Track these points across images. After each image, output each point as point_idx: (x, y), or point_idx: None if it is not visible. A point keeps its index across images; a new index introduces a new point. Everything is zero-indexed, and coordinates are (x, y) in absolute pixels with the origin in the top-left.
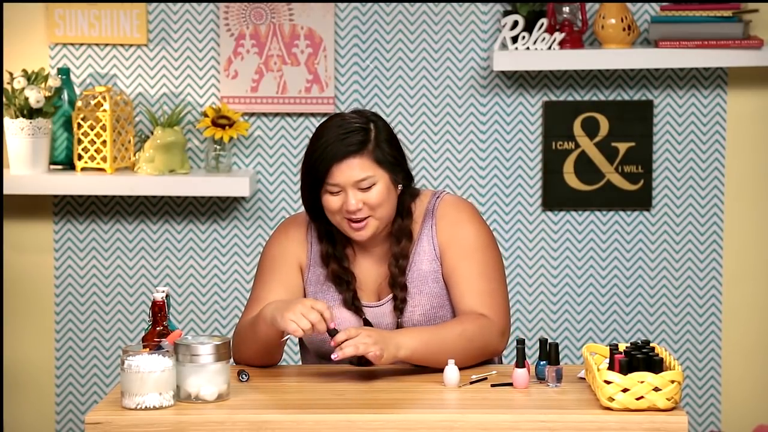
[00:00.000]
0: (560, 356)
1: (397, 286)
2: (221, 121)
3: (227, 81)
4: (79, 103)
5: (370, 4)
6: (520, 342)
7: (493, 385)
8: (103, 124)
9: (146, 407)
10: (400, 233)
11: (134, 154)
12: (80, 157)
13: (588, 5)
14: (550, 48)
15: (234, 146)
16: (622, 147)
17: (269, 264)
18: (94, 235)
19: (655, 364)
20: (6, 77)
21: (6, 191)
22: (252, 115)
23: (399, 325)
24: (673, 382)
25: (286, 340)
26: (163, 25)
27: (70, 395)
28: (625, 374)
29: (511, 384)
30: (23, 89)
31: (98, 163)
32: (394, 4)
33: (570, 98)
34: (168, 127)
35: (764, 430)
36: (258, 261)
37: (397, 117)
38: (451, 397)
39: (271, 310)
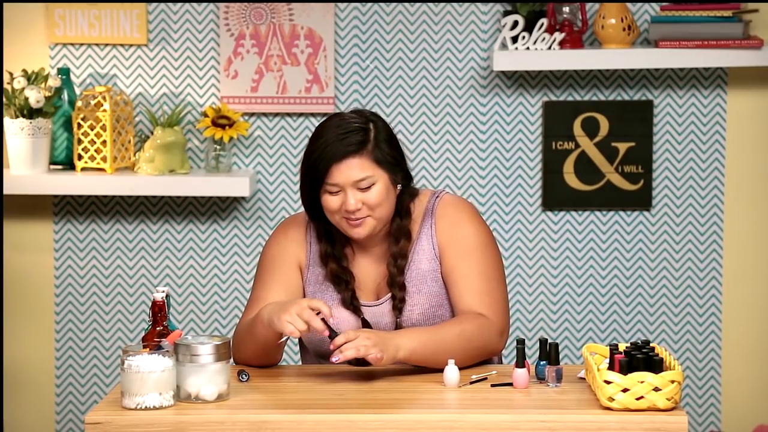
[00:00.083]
0: (560, 356)
1: (396, 286)
2: (221, 121)
3: (227, 81)
4: (79, 103)
5: (370, 4)
6: (520, 342)
7: (493, 385)
8: (103, 124)
9: (146, 407)
10: (398, 233)
11: (134, 154)
12: (80, 157)
13: (588, 5)
14: (550, 48)
15: (234, 146)
16: (622, 147)
17: (269, 264)
18: (94, 235)
19: (655, 364)
20: (6, 77)
21: (6, 191)
22: (252, 115)
23: (398, 325)
24: (673, 382)
25: (285, 341)
26: (163, 25)
27: (70, 395)
28: (625, 374)
29: (511, 384)
30: (23, 89)
31: (98, 163)
32: (394, 4)
33: (570, 98)
34: (168, 127)
35: (764, 430)
36: (257, 261)
37: (397, 117)
38: (451, 397)
39: (269, 311)
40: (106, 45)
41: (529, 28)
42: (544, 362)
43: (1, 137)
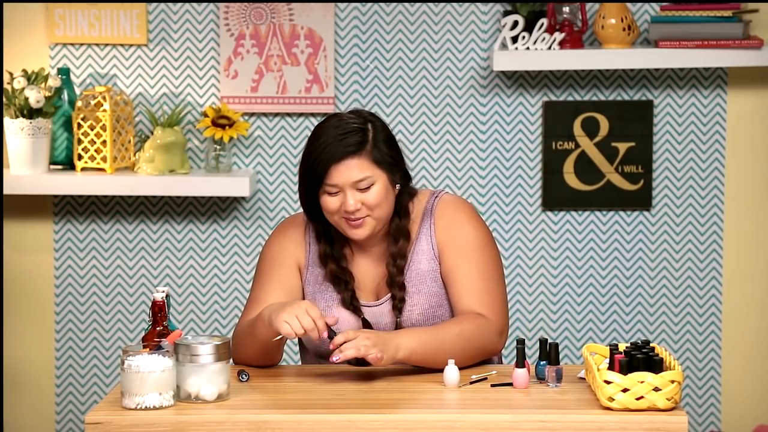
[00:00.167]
0: (560, 356)
1: (395, 286)
2: (221, 121)
3: (227, 81)
4: (79, 103)
5: (370, 4)
6: (520, 342)
7: (493, 385)
8: (103, 124)
9: (146, 407)
10: (397, 233)
11: (134, 154)
12: (80, 157)
13: (588, 5)
14: (550, 48)
15: (234, 146)
16: (622, 147)
17: (268, 265)
18: (94, 235)
19: (655, 364)
20: (6, 77)
21: (6, 191)
22: (252, 115)
23: (398, 325)
24: (673, 382)
25: (283, 339)
26: (163, 25)
27: (70, 395)
28: (625, 374)
29: (511, 384)
30: (23, 89)
31: (98, 163)
32: (394, 4)
33: (570, 98)
34: (168, 127)
35: (764, 430)
36: (257, 262)
37: (397, 117)
38: (451, 397)
39: (269, 311)
40: (106, 45)
41: (529, 28)
42: (544, 362)
43: (1, 137)
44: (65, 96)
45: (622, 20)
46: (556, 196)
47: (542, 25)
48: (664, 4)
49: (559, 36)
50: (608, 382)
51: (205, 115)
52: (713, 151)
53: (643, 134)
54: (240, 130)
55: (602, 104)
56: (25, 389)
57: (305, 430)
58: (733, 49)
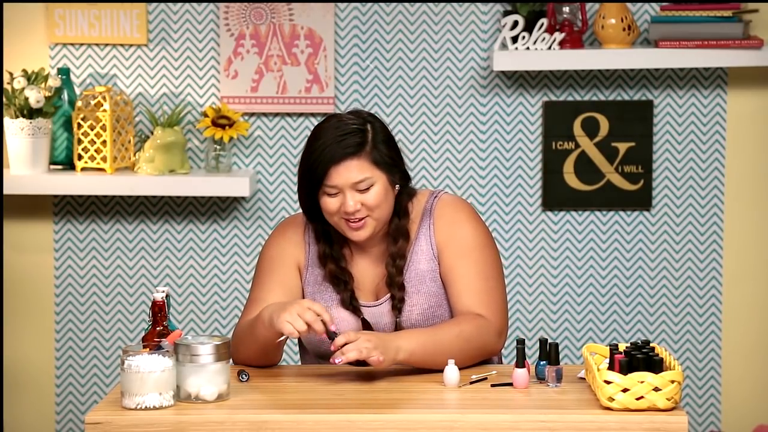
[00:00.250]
0: (560, 356)
1: (395, 286)
2: (221, 121)
3: (227, 81)
4: (79, 103)
5: (370, 4)
6: (520, 342)
7: (493, 385)
8: (103, 124)
9: (146, 407)
10: (397, 233)
11: (134, 154)
12: (80, 157)
13: (588, 5)
14: (550, 48)
15: (234, 146)
16: (622, 147)
17: (267, 265)
18: (94, 235)
19: (655, 364)
20: (6, 77)
21: (6, 191)
22: (252, 115)
23: (397, 325)
24: (673, 382)
25: (284, 340)
26: (163, 25)
27: (70, 395)
28: (625, 374)
29: (511, 384)
30: (23, 89)
31: (98, 163)
32: (394, 4)
33: (570, 98)
34: (168, 127)
35: (764, 430)
36: (256, 262)
37: (397, 117)
38: (451, 397)
39: (269, 311)
40: (106, 45)
41: (529, 28)
42: (544, 362)
43: (1, 137)
44: (65, 96)
45: (622, 20)
46: (556, 196)
47: (542, 25)
48: (664, 4)
49: (559, 36)
50: (608, 382)
51: (205, 115)
52: (713, 151)
53: (643, 134)
54: (240, 130)
55: (602, 104)
56: (25, 389)
57: (305, 430)
58: (733, 49)
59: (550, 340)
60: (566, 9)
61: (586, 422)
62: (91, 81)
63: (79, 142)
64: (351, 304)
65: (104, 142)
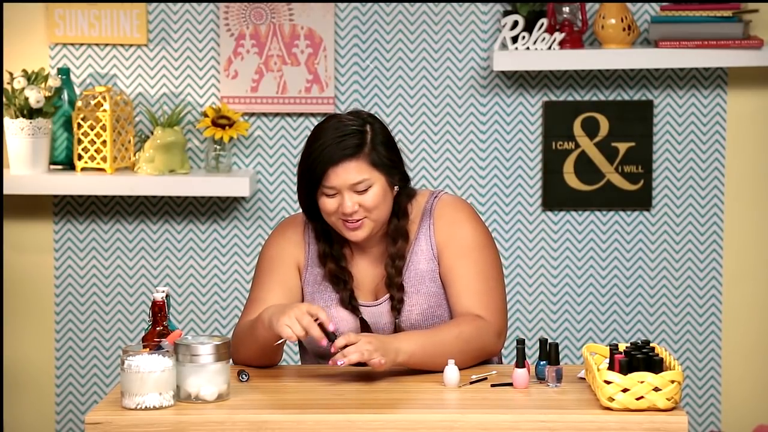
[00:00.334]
0: (560, 356)
1: (394, 287)
2: (221, 121)
3: (227, 81)
4: (79, 103)
5: (370, 4)
6: (520, 342)
7: (493, 385)
8: (103, 124)
9: (146, 407)
10: (396, 234)
11: (134, 154)
12: (80, 157)
13: (588, 5)
14: (550, 48)
15: (234, 146)
16: (622, 147)
17: (267, 265)
18: (94, 235)
19: (655, 364)
20: (6, 77)
21: (6, 191)
22: (252, 115)
23: (397, 325)
24: (673, 382)
25: (283, 342)
26: (163, 25)
27: (70, 395)
28: (625, 374)
29: (511, 384)
30: (23, 89)
31: (98, 163)
32: (394, 4)
33: (570, 98)
34: (168, 127)
35: (764, 430)
36: (256, 262)
37: (397, 117)
38: (451, 397)
39: (269, 314)
40: (106, 45)
41: (529, 28)
42: (544, 362)
43: (1, 137)
44: (65, 96)
45: (622, 20)
46: (556, 196)
47: (542, 25)
48: (664, 4)
49: (559, 36)
50: (608, 382)
51: (205, 115)
52: (713, 151)
53: (643, 134)
54: (240, 130)
55: (602, 104)
56: (25, 389)
57: (305, 430)
58: (733, 49)
59: (550, 340)
60: (566, 9)
61: (586, 422)
62: (91, 81)
63: (79, 142)
64: (350, 303)
65: (104, 142)
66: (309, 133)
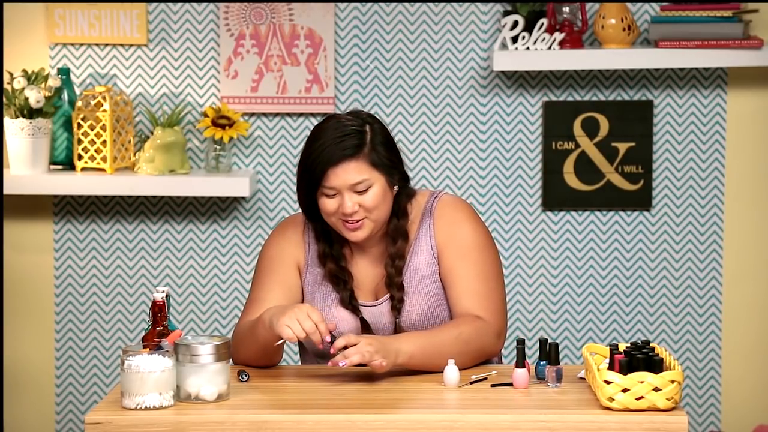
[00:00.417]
0: (560, 356)
1: (394, 287)
2: (221, 121)
3: (227, 81)
4: (79, 103)
5: (370, 4)
6: (520, 342)
7: (493, 385)
8: (103, 124)
9: (146, 407)
10: (396, 234)
11: (134, 154)
12: (80, 157)
13: (588, 5)
14: (550, 48)
15: (234, 146)
16: (622, 147)
17: (267, 265)
18: (94, 235)
19: (655, 364)
20: (6, 77)
21: (6, 191)
22: (252, 115)
23: (397, 325)
24: (673, 382)
25: (284, 342)
26: (163, 25)
27: (70, 395)
28: (625, 374)
29: (511, 384)
30: (23, 89)
31: (98, 163)
32: (394, 4)
33: (570, 98)
34: (168, 127)
35: (764, 430)
36: (256, 262)
37: (396, 117)
38: (451, 397)
39: (270, 314)
40: (106, 45)
41: (529, 28)
42: (544, 362)
43: (1, 137)
44: (65, 96)
45: (622, 20)
46: (556, 196)
47: (542, 25)
48: (664, 4)
49: (559, 36)
50: (608, 382)
51: (205, 115)
52: (713, 151)
53: (643, 134)
54: (240, 130)
55: (602, 104)
56: (25, 389)
57: (305, 430)
58: (733, 49)
59: (550, 340)
60: (566, 9)
61: (586, 422)
62: (91, 81)
63: (79, 142)
64: (350, 303)
65: (104, 142)
66: (309, 133)
